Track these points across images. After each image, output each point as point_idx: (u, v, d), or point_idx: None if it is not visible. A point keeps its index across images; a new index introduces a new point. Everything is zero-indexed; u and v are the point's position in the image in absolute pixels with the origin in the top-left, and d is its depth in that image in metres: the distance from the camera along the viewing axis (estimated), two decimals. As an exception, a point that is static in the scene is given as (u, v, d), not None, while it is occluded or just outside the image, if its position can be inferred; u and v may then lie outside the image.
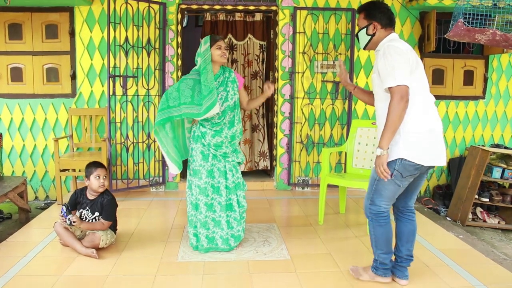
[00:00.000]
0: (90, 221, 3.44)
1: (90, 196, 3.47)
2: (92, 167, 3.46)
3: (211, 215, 3.40)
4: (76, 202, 3.51)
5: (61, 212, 3.33)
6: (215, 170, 3.41)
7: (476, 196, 4.71)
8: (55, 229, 3.44)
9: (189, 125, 3.56)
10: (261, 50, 5.69)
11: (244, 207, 3.50)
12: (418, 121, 2.61)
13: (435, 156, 2.67)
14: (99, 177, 3.42)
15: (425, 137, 2.62)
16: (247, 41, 5.65)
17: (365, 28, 2.76)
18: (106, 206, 3.43)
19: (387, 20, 2.73)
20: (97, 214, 3.44)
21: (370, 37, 2.76)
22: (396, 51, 2.54)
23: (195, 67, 3.40)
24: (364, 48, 2.85)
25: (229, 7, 5.21)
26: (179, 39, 5.20)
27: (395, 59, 2.51)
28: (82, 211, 3.47)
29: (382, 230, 2.79)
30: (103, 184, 3.44)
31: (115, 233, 3.59)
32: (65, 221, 3.31)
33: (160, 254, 3.39)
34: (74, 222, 3.28)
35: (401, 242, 2.88)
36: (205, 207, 3.37)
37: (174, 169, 3.52)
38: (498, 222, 4.69)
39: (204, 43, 3.32)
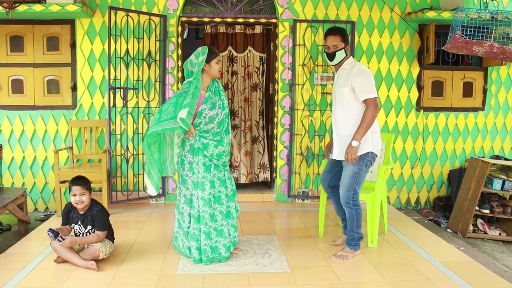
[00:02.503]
0: (84, 235, 3.40)
1: (80, 210, 3.41)
2: (70, 185, 3.37)
3: (213, 225, 3.41)
4: (68, 217, 3.46)
5: (48, 235, 3.25)
6: (215, 180, 3.42)
7: (477, 208, 4.70)
8: (52, 245, 3.39)
9: (179, 140, 3.54)
10: (261, 62, 5.72)
11: (240, 210, 3.62)
12: (377, 124, 3.47)
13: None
14: (75, 195, 3.34)
15: (379, 136, 3.48)
16: (247, 53, 5.68)
17: (343, 49, 3.42)
18: (96, 217, 3.37)
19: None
20: (89, 227, 3.39)
21: (345, 56, 3.44)
22: (368, 71, 3.35)
23: (190, 79, 3.37)
24: (335, 65, 3.50)
25: (229, 20, 5.25)
26: (180, 51, 5.23)
27: (370, 78, 3.31)
28: (74, 226, 3.44)
29: (360, 211, 3.50)
30: (81, 201, 3.34)
31: (113, 242, 3.56)
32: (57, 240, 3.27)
33: (159, 266, 3.37)
34: (63, 240, 3.25)
35: (340, 208, 3.67)
36: (209, 218, 3.38)
37: (152, 191, 3.45)
38: (499, 234, 4.67)
39: (202, 54, 3.33)
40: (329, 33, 3.48)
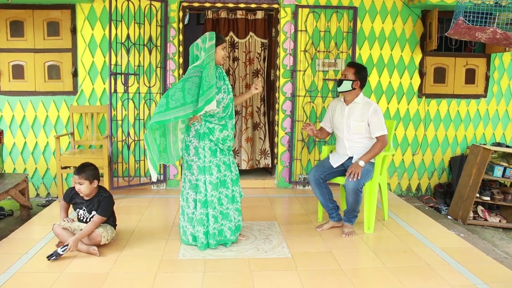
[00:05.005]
0: (88, 220, 3.41)
1: (85, 196, 3.43)
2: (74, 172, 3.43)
3: (219, 209, 3.44)
4: (71, 198, 3.49)
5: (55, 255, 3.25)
6: (221, 164, 3.44)
7: (477, 195, 4.71)
8: (54, 231, 3.40)
9: (183, 126, 3.54)
10: (262, 48, 5.68)
11: (243, 196, 3.66)
12: None
13: None
14: (75, 183, 3.39)
15: None
16: (249, 39, 5.64)
17: (352, 82, 3.78)
18: (102, 202, 3.40)
19: (365, 83, 3.88)
20: (94, 213, 3.41)
21: (351, 89, 3.80)
22: (380, 110, 3.78)
23: (196, 64, 3.36)
24: (340, 92, 3.90)
25: (230, 5, 5.21)
26: (181, 37, 5.20)
27: (382, 117, 3.76)
28: (79, 211, 3.46)
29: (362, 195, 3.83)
30: (79, 190, 3.38)
31: (115, 228, 3.58)
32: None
33: (161, 252, 3.40)
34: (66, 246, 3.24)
35: (331, 197, 3.95)
36: (217, 202, 3.40)
37: (154, 176, 3.38)
38: (499, 221, 4.69)
39: (210, 40, 3.31)
40: (348, 64, 3.96)
